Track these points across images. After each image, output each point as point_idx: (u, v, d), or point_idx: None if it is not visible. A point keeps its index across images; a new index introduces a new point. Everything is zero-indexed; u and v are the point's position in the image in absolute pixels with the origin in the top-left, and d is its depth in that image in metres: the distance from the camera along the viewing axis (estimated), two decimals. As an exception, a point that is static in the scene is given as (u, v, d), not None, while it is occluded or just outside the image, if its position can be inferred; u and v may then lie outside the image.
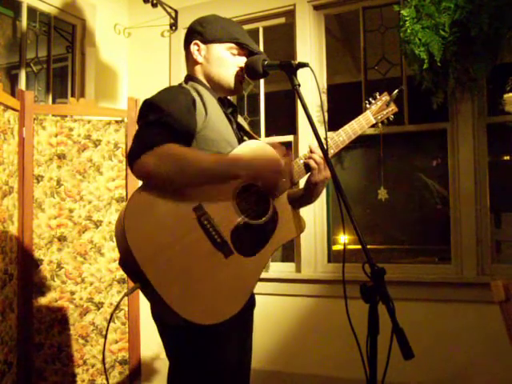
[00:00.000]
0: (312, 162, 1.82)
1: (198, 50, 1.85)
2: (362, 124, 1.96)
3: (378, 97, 2.03)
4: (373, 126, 2.01)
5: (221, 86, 1.85)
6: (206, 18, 1.90)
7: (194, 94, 1.73)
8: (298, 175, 1.85)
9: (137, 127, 1.68)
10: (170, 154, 1.55)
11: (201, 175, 1.59)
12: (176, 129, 1.60)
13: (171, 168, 1.53)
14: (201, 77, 1.86)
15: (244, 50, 1.86)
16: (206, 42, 1.84)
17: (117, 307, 1.64)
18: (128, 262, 1.52)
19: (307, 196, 1.92)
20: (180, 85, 1.84)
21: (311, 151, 1.84)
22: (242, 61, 1.85)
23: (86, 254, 3.26)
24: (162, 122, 1.60)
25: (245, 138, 1.89)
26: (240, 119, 1.96)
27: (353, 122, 1.96)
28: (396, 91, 2.02)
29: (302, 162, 1.85)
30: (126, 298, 3.29)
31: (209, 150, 1.68)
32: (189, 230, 1.58)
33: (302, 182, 1.95)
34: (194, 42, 1.85)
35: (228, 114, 1.84)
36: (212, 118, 1.72)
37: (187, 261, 1.56)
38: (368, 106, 2.01)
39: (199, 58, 1.85)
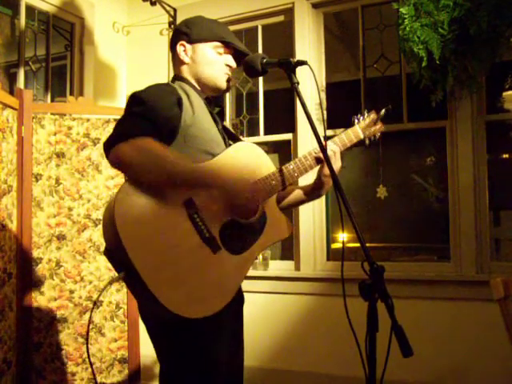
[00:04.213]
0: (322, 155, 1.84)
1: (184, 51, 1.87)
2: (350, 137, 1.98)
3: (367, 114, 2.05)
4: (360, 142, 2.02)
5: (208, 85, 1.87)
6: (191, 19, 1.92)
7: (181, 92, 1.74)
8: (299, 173, 1.87)
9: None
10: (147, 147, 1.56)
11: (171, 178, 1.59)
12: (157, 123, 1.62)
13: (145, 161, 1.54)
14: (188, 77, 1.88)
15: (230, 48, 1.88)
16: (191, 42, 1.86)
17: (100, 295, 1.63)
18: (115, 249, 1.53)
19: (318, 189, 1.96)
20: (168, 82, 1.85)
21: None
22: (228, 59, 1.87)
23: (84, 252, 3.26)
24: (143, 114, 1.61)
25: (230, 141, 1.89)
26: (224, 122, 1.97)
27: (342, 134, 1.98)
28: (383, 110, 2.05)
29: (311, 156, 1.87)
30: (125, 296, 3.29)
31: (196, 148, 1.70)
32: (178, 222, 1.59)
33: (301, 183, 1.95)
34: (180, 42, 1.87)
35: (214, 114, 1.85)
36: (199, 116, 1.74)
37: (175, 252, 1.57)
38: (356, 121, 2.03)
39: (186, 59, 1.87)
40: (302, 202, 2.05)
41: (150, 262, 1.51)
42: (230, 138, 1.92)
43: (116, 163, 1.58)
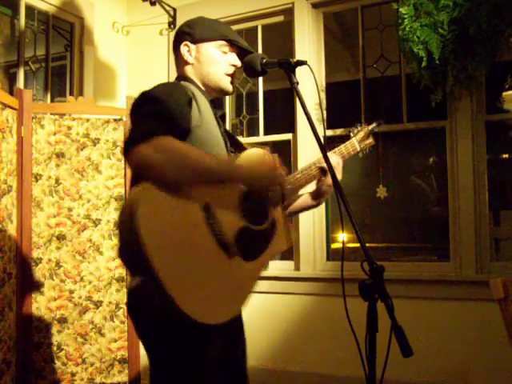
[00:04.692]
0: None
1: (188, 51, 1.84)
2: (349, 150, 2.02)
3: (359, 128, 2.08)
4: (355, 154, 2.06)
5: (212, 86, 1.85)
6: (193, 20, 1.89)
7: (189, 93, 1.73)
8: (305, 183, 1.89)
9: (131, 118, 1.67)
10: (170, 147, 1.52)
11: (198, 174, 1.57)
12: (174, 123, 1.59)
13: (169, 160, 1.50)
14: (193, 77, 1.85)
15: (234, 47, 1.85)
16: (195, 42, 1.83)
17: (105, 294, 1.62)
18: (133, 250, 1.50)
19: (318, 198, 1.98)
20: (175, 82, 1.83)
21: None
22: (232, 58, 1.85)
23: (84, 252, 3.26)
24: (160, 114, 1.58)
25: (231, 148, 1.89)
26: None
27: (341, 146, 2.02)
28: (374, 124, 2.08)
29: (315, 166, 1.90)
30: (125, 296, 3.29)
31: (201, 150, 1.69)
32: (196, 226, 1.58)
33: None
34: (184, 43, 1.84)
35: (218, 117, 1.84)
36: (205, 118, 1.72)
37: (193, 256, 1.56)
38: (352, 134, 2.06)
39: (190, 59, 1.85)
40: (302, 210, 2.06)
41: (169, 265, 1.50)
42: (231, 141, 1.91)
43: (138, 165, 1.53)
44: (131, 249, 1.52)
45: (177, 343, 1.64)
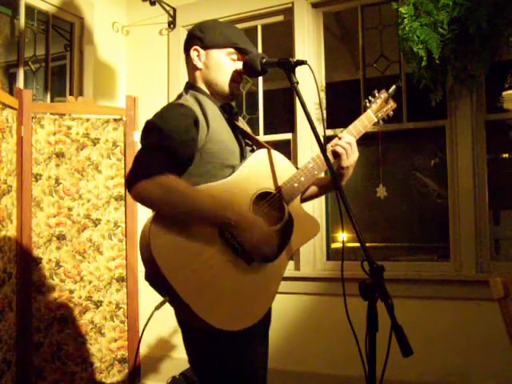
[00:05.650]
0: (339, 148, 1.86)
1: (197, 56, 1.86)
2: (364, 123, 1.98)
3: (377, 95, 2.04)
4: (374, 124, 2.03)
5: (217, 91, 1.85)
6: (205, 23, 1.90)
7: (196, 109, 1.73)
8: (319, 170, 1.87)
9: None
10: (168, 186, 1.58)
11: (190, 214, 1.61)
12: (176, 152, 1.62)
13: (166, 200, 1.57)
14: (201, 83, 1.87)
15: (243, 54, 1.85)
16: (205, 47, 1.84)
17: (147, 322, 1.65)
18: (155, 276, 1.56)
19: (338, 180, 1.99)
20: (180, 100, 1.82)
21: (339, 138, 1.89)
22: (240, 66, 1.85)
23: (84, 252, 3.26)
24: (161, 145, 1.62)
25: (247, 147, 1.90)
26: (240, 122, 1.96)
27: (356, 122, 1.98)
28: (393, 87, 2.03)
29: (328, 151, 1.87)
30: (125, 296, 3.29)
31: (213, 163, 1.71)
32: (210, 241, 1.61)
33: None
34: (194, 47, 1.86)
35: (230, 121, 1.84)
36: (214, 129, 1.73)
37: (212, 271, 1.60)
38: (368, 104, 2.03)
39: (199, 64, 1.86)
40: (320, 193, 2.07)
41: (189, 284, 1.55)
42: (248, 138, 1.92)
43: (138, 200, 1.60)
44: (153, 274, 1.57)
45: (213, 352, 1.69)
